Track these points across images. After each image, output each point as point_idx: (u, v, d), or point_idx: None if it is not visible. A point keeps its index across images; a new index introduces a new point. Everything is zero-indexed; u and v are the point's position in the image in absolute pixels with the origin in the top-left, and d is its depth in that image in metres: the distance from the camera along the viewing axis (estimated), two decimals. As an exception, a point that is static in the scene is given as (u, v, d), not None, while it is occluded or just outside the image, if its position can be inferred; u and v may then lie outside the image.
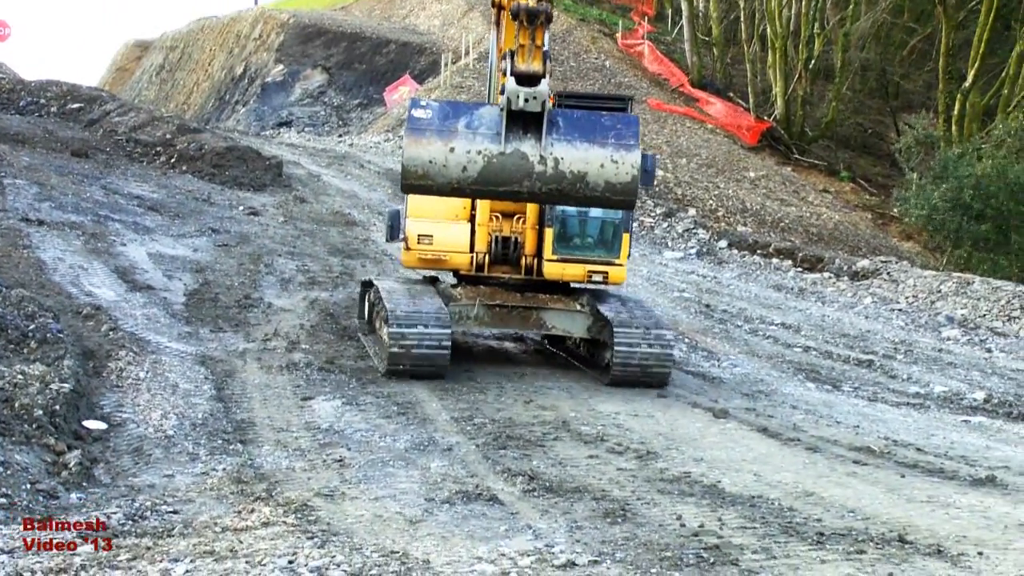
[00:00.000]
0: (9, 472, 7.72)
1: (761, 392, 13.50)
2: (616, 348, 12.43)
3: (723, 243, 26.27)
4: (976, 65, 33.46)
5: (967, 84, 33.92)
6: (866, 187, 36.78)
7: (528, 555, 6.82)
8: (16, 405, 8.73)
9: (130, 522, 7.28)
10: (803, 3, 38.25)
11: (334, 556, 6.62)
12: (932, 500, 8.76)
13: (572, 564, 6.70)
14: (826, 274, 24.08)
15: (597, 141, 10.85)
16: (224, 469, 8.72)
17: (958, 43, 35.95)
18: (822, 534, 7.54)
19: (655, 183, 25.47)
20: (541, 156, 10.75)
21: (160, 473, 8.62)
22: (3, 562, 6.34)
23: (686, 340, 16.16)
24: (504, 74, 10.91)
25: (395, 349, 11.99)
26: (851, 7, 38.38)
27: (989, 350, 18.24)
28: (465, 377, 12.58)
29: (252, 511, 7.53)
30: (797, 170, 36.36)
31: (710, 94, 38.67)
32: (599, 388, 12.66)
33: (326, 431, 10.05)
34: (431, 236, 13.12)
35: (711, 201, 29.89)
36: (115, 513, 7.42)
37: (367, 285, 14.54)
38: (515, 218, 13.38)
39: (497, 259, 13.35)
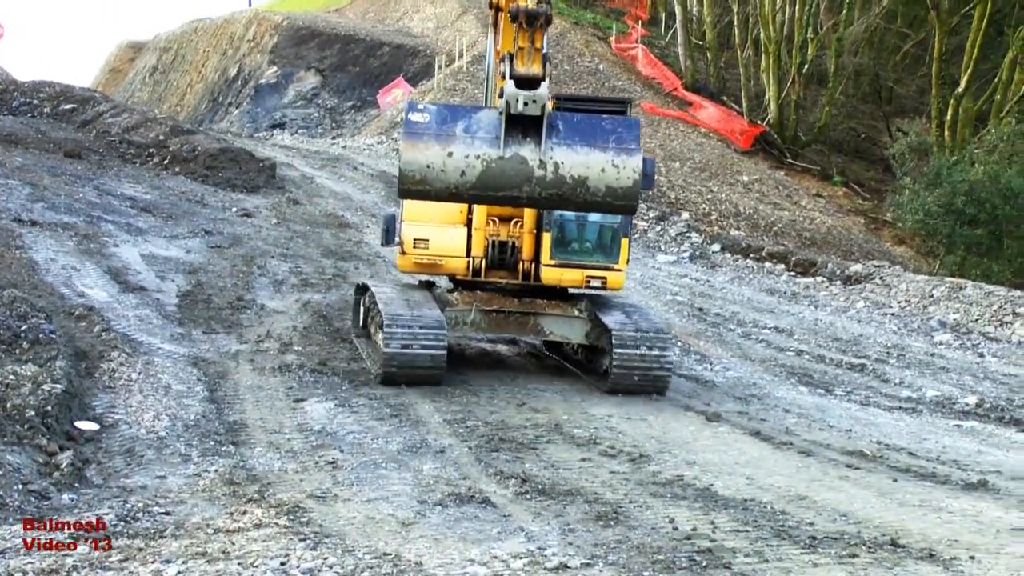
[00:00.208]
0: (1, 473, 7.70)
1: (754, 396, 13.49)
2: (615, 355, 12.24)
3: (716, 247, 26.28)
4: (969, 70, 33.59)
5: (960, 89, 34.05)
6: (859, 191, 36.88)
7: (520, 557, 6.82)
8: (8, 406, 8.72)
9: (122, 523, 7.28)
10: (797, 7, 38.35)
11: (326, 558, 6.62)
12: (924, 504, 8.77)
13: (564, 567, 6.70)
14: (819, 278, 24.10)
15: (598, 145, 10.68)
16: (216, 470, 8.71)
17: (951, 48, 36.07)
18: (814, 538, 7.55)
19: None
20: (541, 161, 10.56)
21: (152, 474, 8.60)
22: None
23: (679, 344, 16.16)
24: (502, 77, 10.75)
25: (390, 360, 11.82)
26: (844, 12, 38.50)
27: (981, 355, 18.26)
28: (458, 380, 12.54)
29: (244, 513, 7.53)
30: (790, 174, 36.45)
31: (703, 98, 38.70)
32: (592, 391, 12.62)
33: (319, 433, 10.04)
34: (427, 240, 12.92)
35: (704, 205, 29.93)
36: (107, 514, 7.41)
37: (362, 289, 14.28)
38: (512, 222, 13.15)
39: (494, 264, 13.13)
